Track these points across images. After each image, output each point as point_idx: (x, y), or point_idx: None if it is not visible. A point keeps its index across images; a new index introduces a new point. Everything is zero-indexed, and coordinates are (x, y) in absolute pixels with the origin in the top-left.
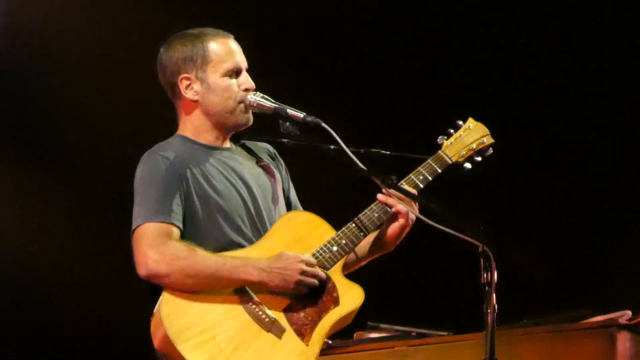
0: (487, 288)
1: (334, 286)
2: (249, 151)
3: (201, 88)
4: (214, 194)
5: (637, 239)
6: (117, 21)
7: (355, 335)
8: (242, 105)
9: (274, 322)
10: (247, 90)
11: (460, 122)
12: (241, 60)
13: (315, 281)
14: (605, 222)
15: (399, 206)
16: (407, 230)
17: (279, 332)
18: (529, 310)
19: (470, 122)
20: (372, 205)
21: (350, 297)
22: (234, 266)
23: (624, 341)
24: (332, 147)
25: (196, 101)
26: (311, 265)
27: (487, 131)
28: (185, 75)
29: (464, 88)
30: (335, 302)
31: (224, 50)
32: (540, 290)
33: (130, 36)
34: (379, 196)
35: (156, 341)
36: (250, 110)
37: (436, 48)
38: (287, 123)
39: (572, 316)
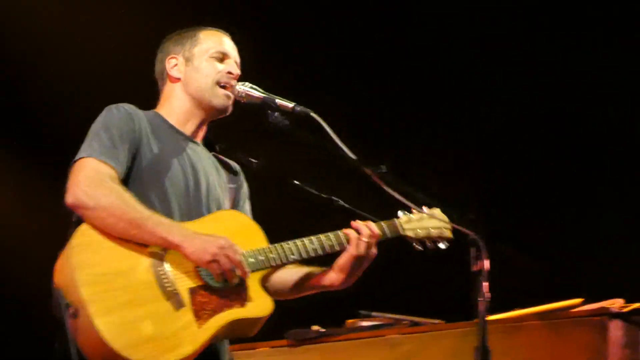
0: (478, 277)
1: (246, 289)
2: (216, 159)
3: (185, 66)
4: (161, 168)
5: (629, 227)
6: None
7: (347, 323)
8: (220, 89)
9: (175, 293)
10: (229, 73)
11: (425, 208)
12: (230, 50)
13: (229, 265)
14: (598, 210)
15: (353, 235)
16: (358, 266)
17: (177, 304)
18: (520, 299)
19: (437, 211)
20: (313, 237)
21: (257, 305)
22: (160, 221)
23: (615, 329)
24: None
25: (179, 78)
26: (234, 250)
27: (449, 226)
28: (173, 55)
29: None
30: (242, 303)
31: (214, 38)
32: (531, 279)
33: (124, 28)
34: (351, 226)
35: (57, 271)
36: (232, 100)
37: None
38: (276, 113)
39: (564, 305)
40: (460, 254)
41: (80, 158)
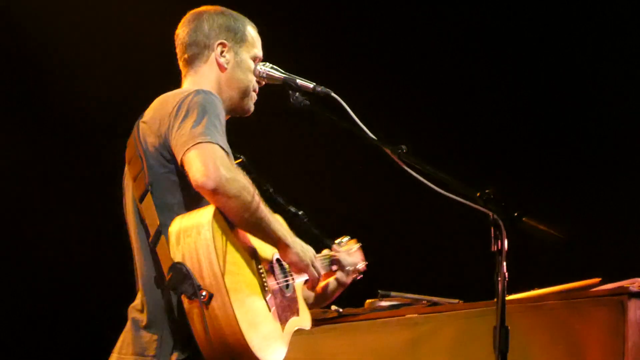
0: (497, 256)
1: (296, 298)
2: None
3: (233, 59)
4: None
5: None
6: None
7: (366, 303)
8: (254, 93)
9: (267, 292)
10: (258, 82)
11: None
12: (262, 52)
13: (316, 275)
14: (616, 189)
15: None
16: (332, 293)
17: (269, 305)
18: (539, 278)
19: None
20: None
21: (306, 316)
22: (280, 225)
23: (634, 309)
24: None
25: (225, 69)
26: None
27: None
28: (224, 41)
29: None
30: (297, 312)
31: (256, 37)
32: (551, 259)
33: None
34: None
35: (183, 245)
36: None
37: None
38: (297, 94)
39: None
40: (479, 234)
41: (208, 142)
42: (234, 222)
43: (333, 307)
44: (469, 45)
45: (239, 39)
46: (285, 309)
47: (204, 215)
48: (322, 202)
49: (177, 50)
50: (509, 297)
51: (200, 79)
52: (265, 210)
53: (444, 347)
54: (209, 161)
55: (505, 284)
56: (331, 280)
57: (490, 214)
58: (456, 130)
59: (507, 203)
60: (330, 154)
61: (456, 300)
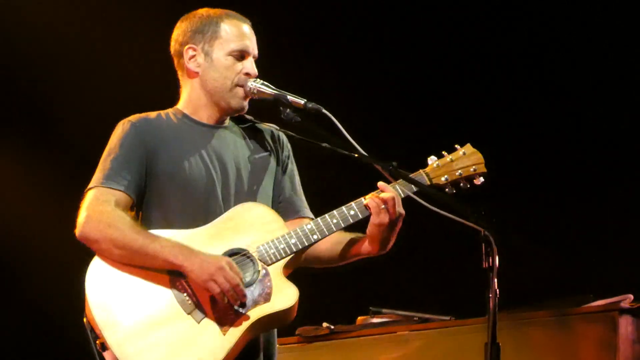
0: (489, 273)
1: (270, 283)
2: (251, 134)
3: (204, 61)
4: (182, 174)
5: (638, 222)
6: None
7: (357, 320)
8: (239, 89)
9: (197, 306)
10: (247, 74)
11: (457, 146)
12: (250, 45)
13: (227, 285)
14: (606, 206)
15: (372, 203)
16: (387, 232)
17: (198, 317)
18: (530, 295)
19: (467, 148)
20: (335, 210)
21: (282, 296)
22: (162, 246)
23: (625, 325)
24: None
25: (197, 73)
26: (235, 272)
27: (481, 160)
28: (192, 45)
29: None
30: (266, 298)
31: (235, 31)
32: (542, 275)
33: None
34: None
35: (85, 301)
36: (248, 98)
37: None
38: (288, 110)
39: (574, 301)
40: (470, 250)
41: (89, 189)
42: (113, 260)
43: (324, 324)
44: (459, 56)
45: (210, 38)
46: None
47: (86, 273)
48: (336, 185)
49: None
50: (500, 314)
51: (183, 89)
52: (141, 240)
53: None
54: (81, 213)
55: (497, 300)
56: (370, 225)
57: (482, 230)
58: (446, 145)
59: (498, 220)
60: (319, 168)
61: (447, 317)
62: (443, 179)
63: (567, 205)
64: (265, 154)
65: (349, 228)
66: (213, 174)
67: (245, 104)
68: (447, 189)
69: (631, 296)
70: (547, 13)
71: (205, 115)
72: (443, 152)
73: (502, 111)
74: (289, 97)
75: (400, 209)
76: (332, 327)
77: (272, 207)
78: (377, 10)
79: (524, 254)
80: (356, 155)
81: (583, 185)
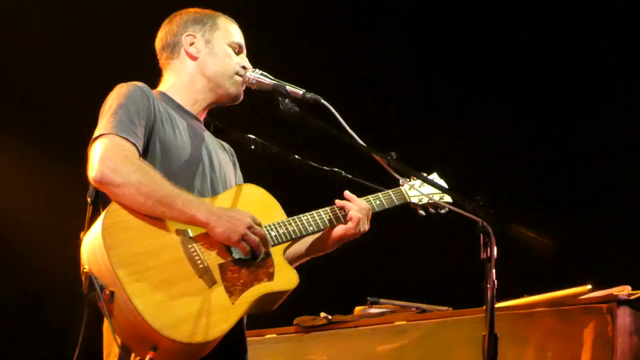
0: (487, 264)
1: (272, 262)
2: (215, 135)
3: (204, 47)
4: (177, 145)
5: (636, 214)
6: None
7: (355, 310)
8: (238, 77)
9: (207, 270)
10: (244, 68)
11: (424, 174)
12: (243, 44)
13: (258, 241)
14: (605, 197)
15: (353, 212)
16: (348, 239)
17: (209, 281)
18: (528, 286)
19: (435, 175)
20: (328, 208)
21: (284, 277)
22: (188, 199)
23: (623, 316)
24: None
25: (196, 57)
26: (260, 226)
27: (446, 190)
28: (192, 33)
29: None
30: (270, 276)
31: (232, 28)
32: (540, 266)
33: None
34: (344, 197)
35: (86, 254)
36: (244, 87)
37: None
38: (286, 100)
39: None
40: (468, 241)
41: (101, 135)
42: (134, 208)
43: (322, 314)
44: (460, 51)
45: (209, 28)
46: (246, 278)
47: (101, 216)
48: (311, 208)
49: (158, 60)
50: (498, 305)
51: (170, 75)
52: (170, 190)
53: (433, 355)
54: (96, 156)
55: (495, 291)
56: (342, 229)
57: (480, 221)
58: (447, 137)
59: (496, 210)
60: (317, 159)
61: (445, 308)
62: (419, 199)
63: (565, 195)
64: (226, 156)
65: None
66: (203, 157)
67: (242, 93)
68: (419, 211)
69: (629, 287)
70: (540, 12)
71: (191, 101)
72: (412, 178)
73: (501, 98)
74: (287, 87)
75: (368, 223)
76: (330, 317)
77: None
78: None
79: (522, 244)
80: (315, 166)
81: (582, 176)
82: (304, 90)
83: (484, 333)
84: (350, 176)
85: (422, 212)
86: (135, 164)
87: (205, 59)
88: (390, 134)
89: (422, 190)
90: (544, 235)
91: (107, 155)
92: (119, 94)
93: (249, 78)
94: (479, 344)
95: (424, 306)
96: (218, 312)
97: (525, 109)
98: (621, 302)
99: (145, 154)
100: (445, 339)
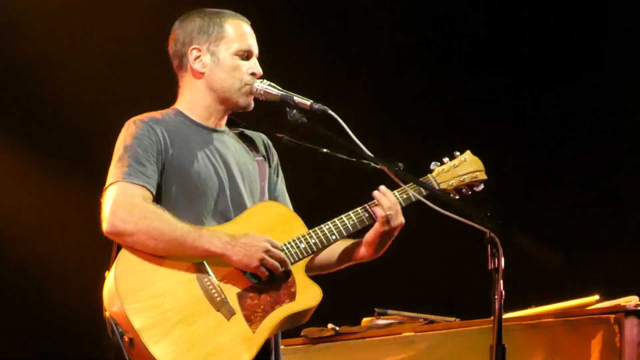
0: (494, 274)
1: (293, 281)
2: (244, 139)
3: (210, 61)
4: (192, 172)
5: None
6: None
7: (362, 321)
8: (247, 87)
9: (225, 302)
10: (253, 74)
11: (457, 153)
12: (253, 45)
13: (278, 264)
14: (612, 207)
15: (378, 210)
16: (386, 238)
17: (228, 313)
18: (536, 296)
19: (467, 154)
20: (351, 212)
21: (307, 295)
22: (200, 234)
23: (631, 327)
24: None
25: (202, 73)
26: (277, 248)
27: (481, 167)
28: (197, 46)
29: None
30: (292, 297)
31: (240, 31)
32: (547, 277)
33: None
34: (375, 194)
35: (106, 299)
36: (253, 96)
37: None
38: (294, 111)
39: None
40: (476, 252)
41: (111, 184)
42: (148, 252)
43: (330, 326)
44: (464, 59)
45: (215, 38)
46: (266, 303)
47: (114, 263)
48: (317, 218)
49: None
50: (506, 316)
51: (183, 90)
52: (180, 229)
53: None
54: (106, 208)
55: (502, 302)
56: (372, 230)
57: (487, 232)
58: (453, 147)
59: (504, 221)
60: (325, 169)
61: (453, 319)
62: (449, 184)
63: (572, 206)
64: (260, 158)
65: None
66: (221, 174)
67: (252, 101)
68: (451, 195)
69: (637, 297)
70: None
71: (206, 115)
72: (444, 159)
73: (507, 109)
74: (295, 98)
75: (401, 216)
76: (338, 328)
77: None
78: (379, 14)
79: (529, 255)
80: (355, 159)
81: (589, 186)
82: (311, 101)
83: (491, 344)
84: (384, 168)
85: (455, 196)
86: (142, 208)
87: (212, 75)
88: (395, 143)
89: (453, 173)
90: (552, 245)
91: (115, 207)
92: (126, 135)
93: (257, 89)
94: (486, 354)
95: (431, 317)
96: (239, 343)
97: (532, 122)
98: (629, 313)
99: (161, 186)
100: (453, 349)
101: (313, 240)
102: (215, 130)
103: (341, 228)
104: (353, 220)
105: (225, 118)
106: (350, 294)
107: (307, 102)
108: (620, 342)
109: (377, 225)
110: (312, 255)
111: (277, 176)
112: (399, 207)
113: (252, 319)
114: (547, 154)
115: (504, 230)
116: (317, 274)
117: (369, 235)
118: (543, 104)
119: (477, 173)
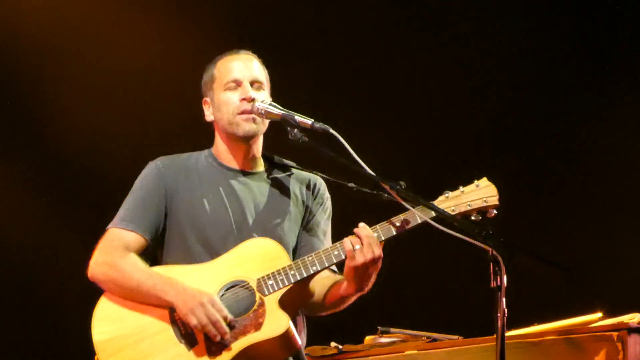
0: (497, 292)
1: (263, 312)
2: (284, 179)
3: (212, 106)
4: (201, 214)
5: None
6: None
7: (365, 340)
8: (239, 115)
9: (188, 335)
10: (243, 100)
11: (475, 180)
12: (240, 71)
13: (205, 320)
14: (615, 224)
15: (346, 243)
16: (361, 271)
17: (189, 345)
18: (539, 314)
19: (482, 181)
20: (337, 243)
21: (272, 325)
22: (154, 284)
23: (634, 345)
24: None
25: (212, 121)
26: (215, 307)
27: (494, 192)
28: (204, 98)
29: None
30: (258, 327)
31: (226, 66)
32: (550, 295)
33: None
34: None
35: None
36: (259, 120)
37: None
38: (295, 130)
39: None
40: (479, 270)
41: (107, 229)
42: (119, 297)
43: (332, 344)
44: (462, 71)
45: (210, 85)
46: (232, 334)
47: (94, 311)
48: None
49: None
50: (508, 333)
51: (215, 135)
52: (137, 280)
53: None
54: (94, 253)
55: (505, 320)
56: (345, 264)
57: (490, 250)
58: (454, 165)
59: (506, 239)
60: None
61: (456, 337)
62: (450, 210)
63: (575, 223)
64: (290, 201)
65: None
66: (231, 216)
67: (254, 127)
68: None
69: (639, 315)
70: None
71: (228, 158)
72: (460, 186)
73: (511, 127)
74: (296, 117)
75: (376, 250)
76: (340, 346)
77: (292, 253)
78: (382, 31)
79: (532, 272)
80: (355, 188)
81: (591, 203)
82: (312, 120)
83: None
84: (385, 196)
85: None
86: (116, 258)
87: (216, 119)
88: (396, 160)
89: (460, 200)
90: (554, 264)
91: (97, 255)
92: (140, 177)
93: (257, 108)
94: None
95: (434, 335)
96: None
97: (534, 137)
98: (632, 330)
99: (168, 226)
100: None
101: (292, 272)
102: (243, 172)
103: (324, 258)
104: (337, 251)
105: (257, 158)
106: (353, 312)
107: (309, 121)
108: (624, 359)
109: (347, 260)
110: (290, 287)
111: (312, 219)
112: (371, 241)
113: (214, 350)
114: (549, 171)
115: (506, 248)
116: (319, 315)
117: (344, 269)
118: (548, 121)
119: (487, 199)
